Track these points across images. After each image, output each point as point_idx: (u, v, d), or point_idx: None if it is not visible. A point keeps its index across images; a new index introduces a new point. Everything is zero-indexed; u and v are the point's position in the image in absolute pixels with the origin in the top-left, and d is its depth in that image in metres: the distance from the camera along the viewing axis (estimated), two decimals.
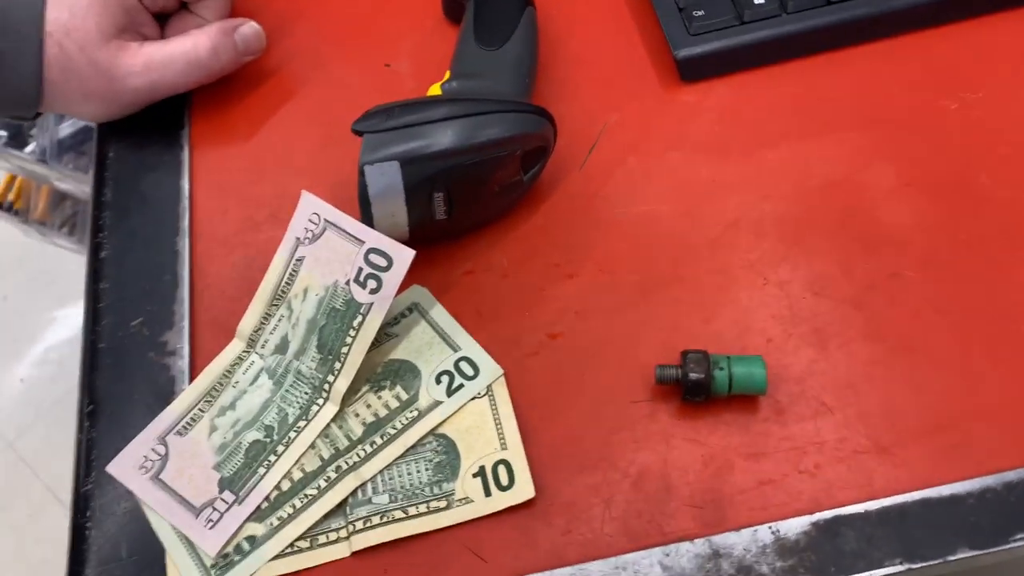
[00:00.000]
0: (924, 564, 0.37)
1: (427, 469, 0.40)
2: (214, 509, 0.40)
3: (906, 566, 0.37)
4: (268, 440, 0.41)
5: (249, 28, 0.51)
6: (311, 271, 0.43)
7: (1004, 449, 0.39)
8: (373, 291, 0.41)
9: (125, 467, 0.41)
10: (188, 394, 0.43)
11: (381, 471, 0.40)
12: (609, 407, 0.42)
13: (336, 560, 0.39)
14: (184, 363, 0.44)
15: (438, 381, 0.42)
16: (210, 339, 0.45)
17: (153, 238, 0.48)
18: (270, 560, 0.39)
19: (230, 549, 0.39)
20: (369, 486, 0.40)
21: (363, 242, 0.41)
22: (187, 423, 0.42)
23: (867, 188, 0.46)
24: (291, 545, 0.39)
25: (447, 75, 0.46)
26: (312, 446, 0.41)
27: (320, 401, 0.42)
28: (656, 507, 0.39)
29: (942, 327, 0.42)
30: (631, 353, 0.43)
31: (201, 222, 0.49)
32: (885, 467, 0.39)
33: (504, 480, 0.40)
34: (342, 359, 0.41)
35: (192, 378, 0.44)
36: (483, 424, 0.41)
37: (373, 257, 0.41)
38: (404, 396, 0.42)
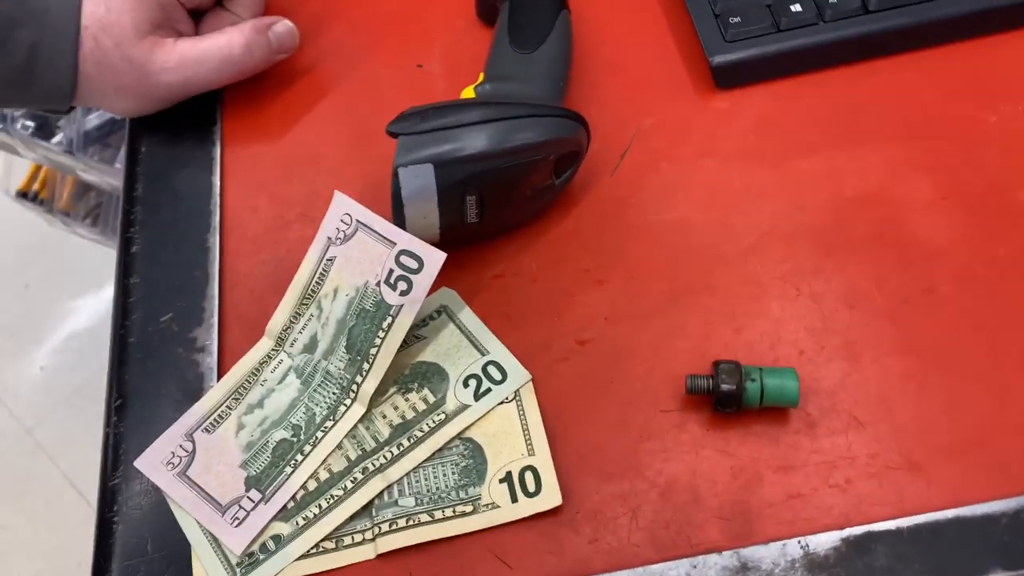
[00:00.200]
0: None
1: (453, 473, 0.40)
2: (240, 507, 0.40)
3: None
4: (295, 439, 0.41)
5: (283, 26, 0.51)
6: (341, 271, 0.43)
7: None
8: (403, 293, 0.41)
9: (152, 462, 0.42)
10: (216, 391, 0.43)
11: (407, 474, 0.40)
12: (638, 415, 0.41)
13: (361, 562, 0.39)
14: (212, 360, 0.44)
15: (466, 385, 0.42)
16: (239, 336, 0.45)
17: (184, 234, 0.48)
18: (295, 560, 0.39)
19: (255, 548, 0.39)
20: (395, 488, 0.40)
21: (394, 244, 0.41)
22: (215, 420, 0.42)
23: (903, 200, 0.45)
24: (316, 545, 0.39)
25: (481, 77, 0.46)
26: (339, 447, 0.41)
27: (348, 402, 0.42)
28: (684, 518, 0.39)
29: (977, 343, 0.42)
30: (661, 361, 0.42)
31: (232, 219, 0.49)
32: (917, 484, 0.39)
33: (531, 486, 0.39)
34: (370, 360, 0.41)
35: (220, 375, 0.44)
36: (510, 429, 0.41)
37: (404, 259, 0.41)
38: (431, 399, 0.42)
